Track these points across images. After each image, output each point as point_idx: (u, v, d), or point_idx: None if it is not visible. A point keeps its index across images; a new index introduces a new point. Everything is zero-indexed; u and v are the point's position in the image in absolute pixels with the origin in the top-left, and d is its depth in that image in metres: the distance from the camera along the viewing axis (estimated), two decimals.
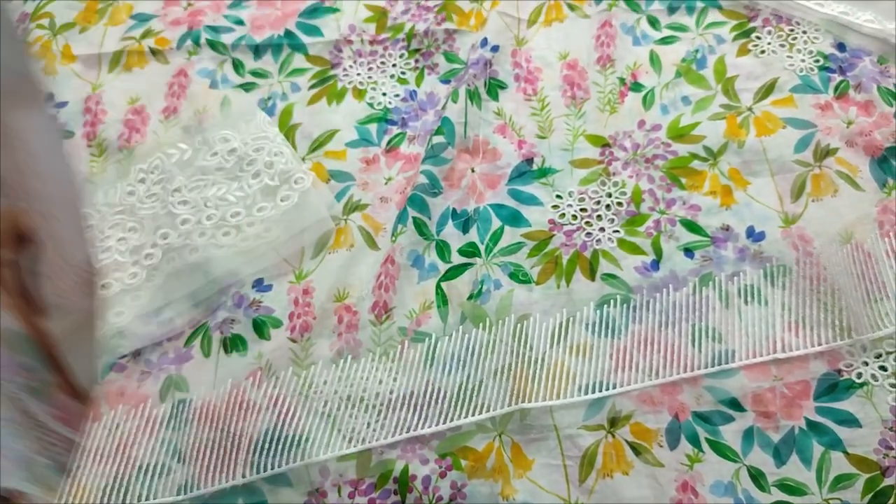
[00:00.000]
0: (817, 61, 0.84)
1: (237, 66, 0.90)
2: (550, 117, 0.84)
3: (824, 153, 0.78)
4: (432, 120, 0.84)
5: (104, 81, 0.89)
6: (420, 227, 0.76)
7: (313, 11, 0.93)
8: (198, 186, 0.79)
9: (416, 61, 0.89)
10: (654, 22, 0.90)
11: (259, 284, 0.74)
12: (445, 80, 0.87)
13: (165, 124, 0.86)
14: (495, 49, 0.87)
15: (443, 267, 0.75)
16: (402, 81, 0.88)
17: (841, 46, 0.85)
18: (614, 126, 0.83)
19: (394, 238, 0.75)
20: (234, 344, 0.71)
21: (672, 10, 0.91)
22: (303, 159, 0.82)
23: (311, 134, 0.84)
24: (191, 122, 0.85)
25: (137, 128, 0.85)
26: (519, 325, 0.70)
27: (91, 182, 0.82)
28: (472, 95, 0.83)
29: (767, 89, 0.83)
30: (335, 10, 0.93)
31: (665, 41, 0.89)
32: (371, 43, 0.90)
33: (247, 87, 0.88)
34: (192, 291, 0.74)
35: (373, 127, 0.85)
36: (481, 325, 0.70)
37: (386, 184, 0.81)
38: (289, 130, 0.84)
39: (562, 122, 0.84)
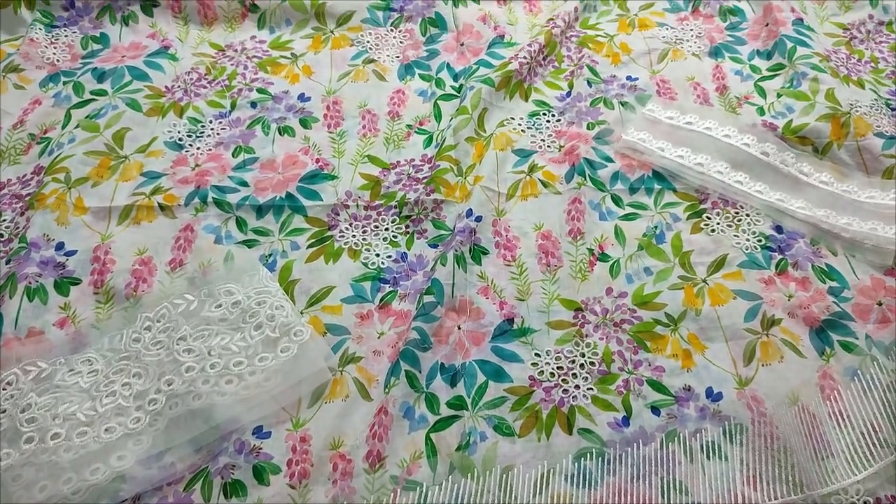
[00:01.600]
0: (760, 241, 0.99)
1: (241, 223, 0.99)
2: (528, 282, 0.95)
3: (770, 323, 0.90)
4: (422, 280, 0.94)
5: (113, 233, 0.97)
6: (411, 380, 0.84)
7: (313, 177, 1.05)
8: (202, 335, 0.86)
9: (407, 227, 1.01)
10: (617, 200, 1.04)
11: (259, 431, 0.80)
12: (433, 245, 0.98)
13: (172, 276, 0.94)
14: (479, 219, 0.99)
15: (432, 419, 0.82)
16: (394, 244, 0.99)
17: (779, 229, 1.00)
18: (585, 292, 0.94)
19: (387, 390, 0.83)
20: (234, 489, 0.76)
21: (633, 190, 1.05)
22: (301, 313, 0.90)
23: (310, 289, 0.93)
24: (196, 274, 0.94)
25: (144, 278, 0.93)
26: (504, 476, 0.77)
27: (96, 328, 0.88)
28: (459, 260, 0.94)
29: (718, 264, 0.96)
30: (333, 177, 1.05)
31: (628, 217, 1.02)
32: (366, 208, 1.02)
33: (249, 243, 0.98)
34: (194, 437, 0.79)
35: (367, 285, 0.94)
36: (469, 475, 0.77)
37: (379, 338, 0.89)
38: (288, 285, 0.93)
39: (538, 286, 0.95)
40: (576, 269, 0.96)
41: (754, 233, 1.00)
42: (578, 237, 0.99)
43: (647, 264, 0.97)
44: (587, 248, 0.98)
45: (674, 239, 0.99)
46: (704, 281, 0.94)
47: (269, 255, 0.97)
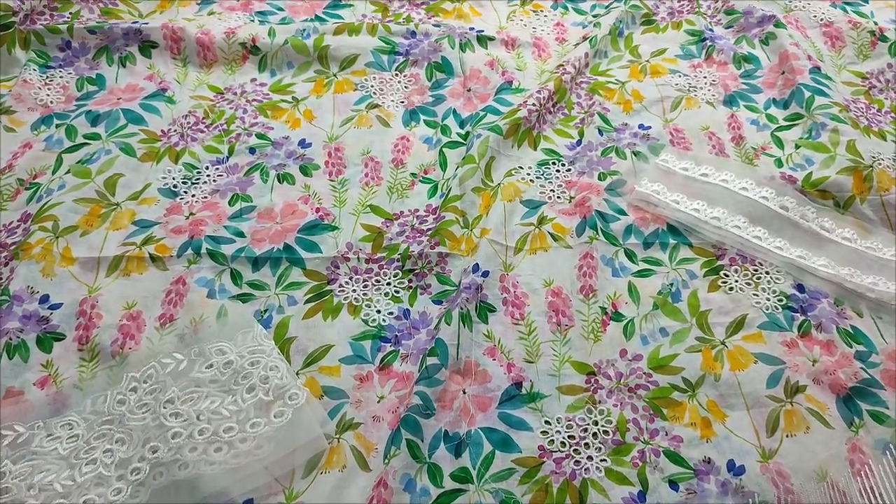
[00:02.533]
0: (780, 300, 0.95)
1: (235, 276, 0.96)
2: (537, 342, 0.91)
3: (794, 390, 0.86)
4: (425, 339, 0.90)
5: (101, 285, 0.94)
6: (413, 450, 0.80)
7: (313, 228, 1.01)
8: (191, 398, 0.82)
9: (410, 281, 0.97)
10: (631, 255, 1.00)
11: None
12: (437, 301, 0.95)
13: (161, 332, 0.90)
14: (485, 274, 0.95)
15: (434, 492, 0.78)
16: (396, 300, 0.95)
17: (800, 287, 0.96)
18: (598, 354, 0.90)
19: (387, 460, 0.79)
20: None
21: (647, 245, 1.02)
22: (297, 374, 0.86)
23: (306, 348, 0.89)
24: (187, 331, 0.90)
25: (132, 334, 0.89)
26: None
27: (79, 388, 0.84)
28: (464, 318, 0.90)
29: (738, 325, 0.93)
30: (334, 228, 1.02)
31: (642, 274, 0.98)
32: (367, 261, 0.98)
33: (244, 297, 0.94)
34: None
35: (367, 344, 0.90)
36: None
37: (378, 402, 0.85)
38: (284, 343, 0.89)
39: (548, 347, 0.91)
40: (588, 329, 0.92)
41: (775, 291, 0.96)
42: (590, 294, 0.96)
43: (662, 324, 0.93)
44: (600, 307, 0.95)
45: (690, 297, 0.96)
46: (723, 343, 0.91)
47: (265, 311, 0.93)
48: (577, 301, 0.95)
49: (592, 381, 0.88)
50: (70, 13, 1.31)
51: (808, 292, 0.96)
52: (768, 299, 0.95)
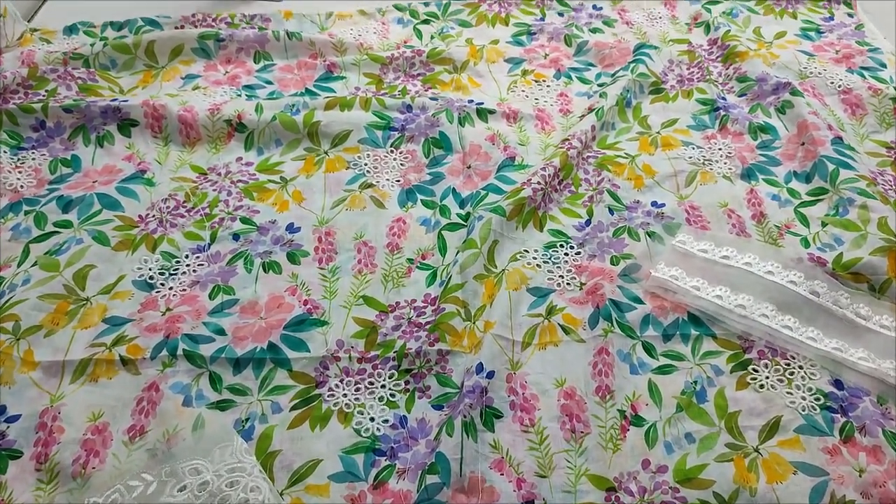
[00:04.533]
0: (818, 399, 0.88)
1: (214, 380, 0.89)
2: (550, 452, 0.84)
3: None
4: (424, 452, 0.83)
5: (65, 393, 0.87)
6: None
7: (300, 323, 0.95)
8: None
9: (407, 382, 0.90)
10: (650, 349, 0.93)
11: None
12: (438, 406, 0.87)
13: (129, 447, 0.82)
14: (490, 375, 0.88)
15: None
16: (392, 405, 0.88)
17: (838, 384, 0.89)
18: (618, 466, 0.83)
19: None
20: None
21: (667, 337, 0.95)
22: (281, 494, 0.79)
23: (292, 464, 0.82)
24: (158, 445, 0.83)
25: (96, 450, 0.82)
26: None
27: None
28: (468, 427, 0.83)
29: (772, 428, 0.85)
30: (323, 323, 0.95)
31: (663, 370, 0.91)
32: (360, 360, 0.91)
33: (223, 405, 0.87)
34: None
35: (359, 458, 0.83)
36: None
37: None
38: (267, 458, 0.82)
39: (562, 458, 0.83)
40: (606, 437, 0.85)
41: (810, 389, 0.89)
42: (607, 396, 0.89)
43: (688, 429, 0.86)
44: (618, 410, 0.87)
45: (717, 397, 0.88)
46: (757, 451, 0.83)
47: (246, 420, 0.86)
48: (592, 404, 0.88)
49: (613, 498, 0.80)
50: (46, 91, 1.27)
51: (847, 389, 0.89)
52: (804, 398, 0.88)
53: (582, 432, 0.86)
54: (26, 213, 1.08)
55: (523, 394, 0.89)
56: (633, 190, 1.15)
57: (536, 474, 0.82)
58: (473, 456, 0.82)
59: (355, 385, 0.90)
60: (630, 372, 0.91)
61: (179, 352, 0.91)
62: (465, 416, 0.84)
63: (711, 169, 1.18)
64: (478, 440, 0.83)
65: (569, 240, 1.07)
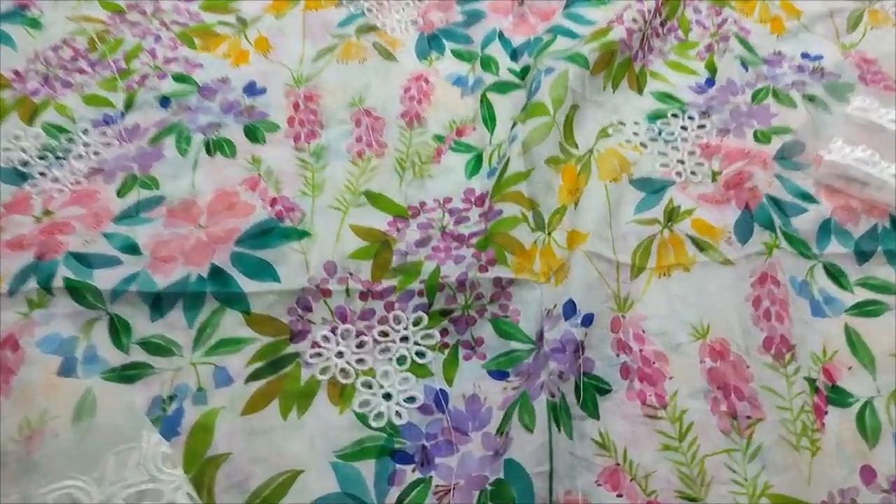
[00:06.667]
0: None
1: (117, 331, 0.55)
2: (697, 454, 0.51)
3: None
4: (480, 457, 0.51)
5: None
6: None
7: (264, 234, 0.61)
8: None
9: (444, 333, 0.57)
10: (838, 275, 0.60)
11: None
12: (499, 374, 0.55)
13: None
14: (587, 321, 0.54)
15: None
16: (421, 372, 0.55)
17: None
18: (823, 479, 0.51)
19: None
20: None
21: (861, 256, 0.62)
22: None
23: (248, 479, 0.51)
24: (13, 447, 0.49)
25: None
26: None
27: None
28: (557, 412, 0.50)
29: None
30: (303, 234, 0.61)
31: (865, 311, 0.60)
32: (363, 297, 0.58)
33: (130, 373, 0.53)
34: None
35: (367, 467, 0.51)
36: None
37: None
38: (205, 467, 0.50)
39: (720, 464, 0.51)
40: (793, 426, 0.51)
41: None
42: (785, 354, 0.54)
43: None
44: (804, 378, 0.54)
45: None
46: None
47: (170, 399, 0.52)
48: (759, 367, 0.55)
49: None
50: None
51: None
52: None
53: (748, 417, 0.52)
54: None
55: (641, 351, 0.55)
56: (770, 36, 0.81)
57: (679, 495, 0.48)
58: (569, 463, 0.50)
59: (357, 338, 0.55)
60: (812, 313, 0.59)
61: (58, 282, 0.56)
62: (550, 394, 0.50)
63: (883, 6, 0.83)
64: (573, 434, 0.50)
65: (683, 106, 0.73)
